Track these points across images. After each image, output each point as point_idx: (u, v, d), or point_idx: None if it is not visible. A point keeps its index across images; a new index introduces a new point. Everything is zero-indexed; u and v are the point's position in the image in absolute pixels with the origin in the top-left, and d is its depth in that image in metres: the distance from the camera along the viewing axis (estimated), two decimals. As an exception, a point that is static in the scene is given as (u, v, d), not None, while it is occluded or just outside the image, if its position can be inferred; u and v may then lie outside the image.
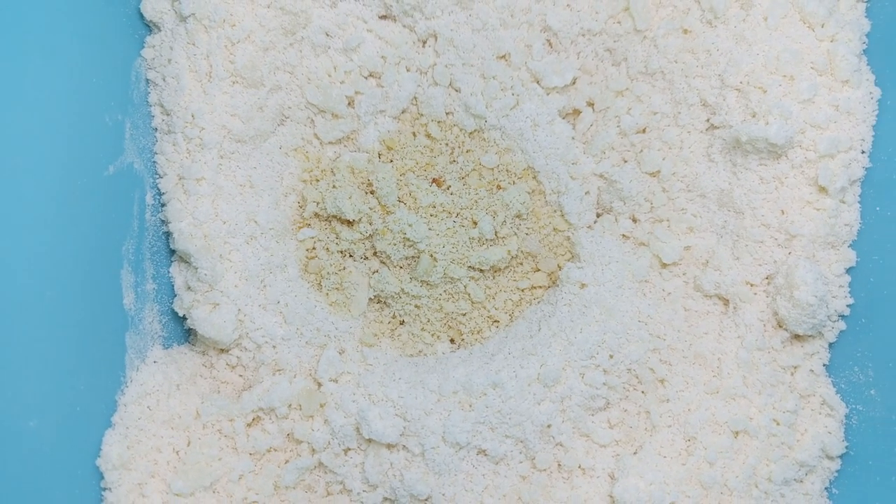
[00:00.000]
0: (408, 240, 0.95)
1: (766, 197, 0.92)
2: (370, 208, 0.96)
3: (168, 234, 0.95)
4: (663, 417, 0.94)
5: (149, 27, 0.96)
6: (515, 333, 0.97)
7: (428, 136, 0.98)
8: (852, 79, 0.90)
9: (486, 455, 0.92)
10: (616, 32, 0.95)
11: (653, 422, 0.94)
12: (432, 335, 1.00)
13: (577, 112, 0.99)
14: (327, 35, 0.95)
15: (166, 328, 0.99)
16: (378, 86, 0.97)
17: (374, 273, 0.99)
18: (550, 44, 0.97)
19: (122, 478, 0.89)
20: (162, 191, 0.95)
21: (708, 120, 0.95)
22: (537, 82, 0.97)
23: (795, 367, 0.94)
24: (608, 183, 0.98)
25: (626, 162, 0.97)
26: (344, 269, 0.99)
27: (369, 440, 0.92)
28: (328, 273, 0.98)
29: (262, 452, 0.94)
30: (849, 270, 0.93)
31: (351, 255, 0.99)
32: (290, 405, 0.93)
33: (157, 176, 0.95)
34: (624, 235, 0.98)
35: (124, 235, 0.93)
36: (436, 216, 0.97)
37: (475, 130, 0.98)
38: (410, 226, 0.94)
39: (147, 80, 0.96)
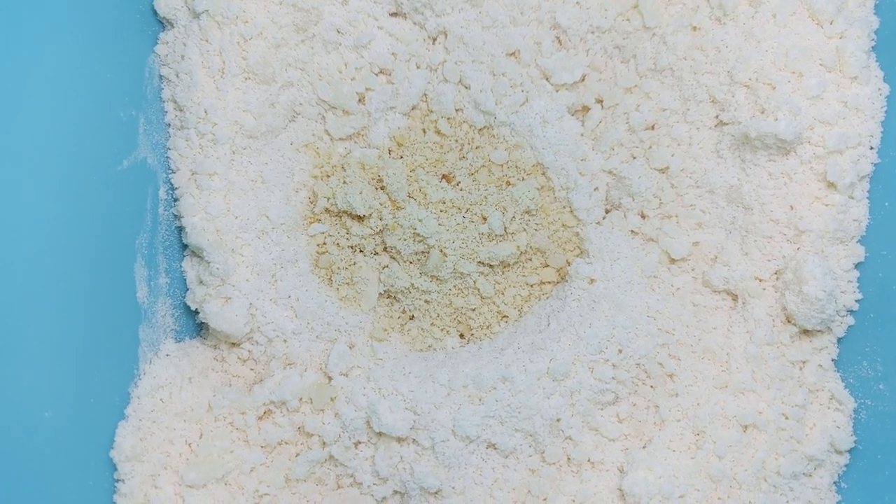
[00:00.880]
0: (418, 235, 0.96)
1: (775, 192, 0.93)
2: (380, 204, 0.97)
3: (181, 229, 0.96)
4: (672, 411, 0.94)
5: (162, 24, 0.97)
6: (525, 328, 0.98)
7: (438, 132, 0.99)
8: (861, 75, 0.90)
9: (495, 449, 0.93)
10: (625, 30, 0.96)
11: (662, 416, 0.94)
12: (442, 330, 1.01)
13: (586, 109, 0.99)
14: (338, 32, 0.96)
15: (179, 322, 1.00)
16: (388, 82, 0.98)
17: (384, 268, 1.00)
18: (560, 41, 0.98)
19: (135, 469, 0.90)
20: (175, 186, 0.95)
21: (717, 116, 0.95)
22: (546, 79, 0.97)
23: (804, 362, 0.94)
24: (617, 179, 0.98)
25: (634, 158, 0.98)
26: (354, 264, 0.99)
27: (379, 433, 0.93)
28: (339, 268, 0.99)
29: (273, 445, 0.94)
30: (857, 266, 0.93)
31: (361, 251, 1.00)
32: (300, 399, 0.94)
33: (170, 171, 0.96)
34: (633, 231, 0.99)
35: (138, 230, 0.94)
36: (445, 212, 0.97)
37: (485, 127, 0.98)
38: (420, 221, 0.95)
39: (160, 77, 0.96)
